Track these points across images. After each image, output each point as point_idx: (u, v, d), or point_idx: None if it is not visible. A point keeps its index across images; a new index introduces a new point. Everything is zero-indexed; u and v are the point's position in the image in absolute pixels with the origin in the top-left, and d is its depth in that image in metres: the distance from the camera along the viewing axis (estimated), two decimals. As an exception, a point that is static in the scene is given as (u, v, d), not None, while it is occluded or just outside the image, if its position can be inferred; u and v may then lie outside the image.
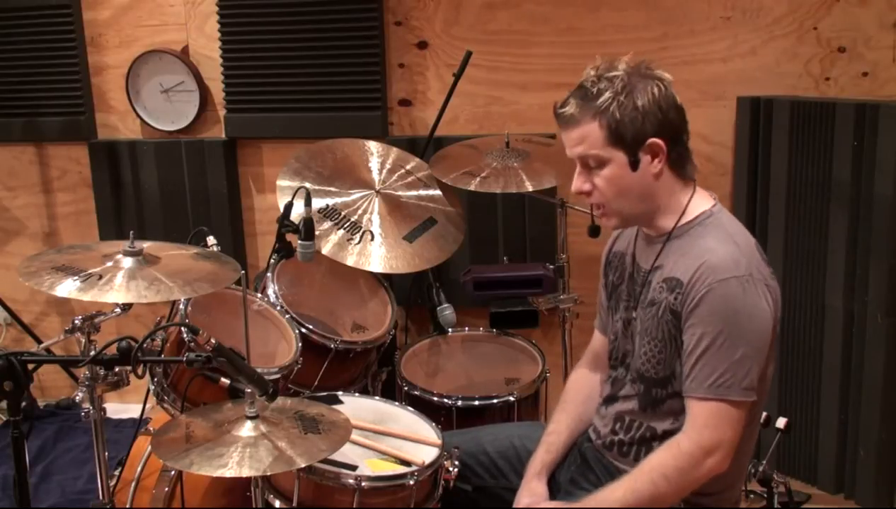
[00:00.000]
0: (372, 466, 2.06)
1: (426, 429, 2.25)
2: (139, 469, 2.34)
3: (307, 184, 2.78)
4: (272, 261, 2.72)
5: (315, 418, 1.97)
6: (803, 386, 2.94)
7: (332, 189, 2.91)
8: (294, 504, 2.01)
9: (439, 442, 2.16)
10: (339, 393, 2.41)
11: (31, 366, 1.78)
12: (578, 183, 1.90)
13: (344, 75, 3.33)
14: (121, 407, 3.54)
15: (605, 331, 2.14)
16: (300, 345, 2.48)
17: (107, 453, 2.05)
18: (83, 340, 1.97)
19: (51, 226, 3.81)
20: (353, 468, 2.03)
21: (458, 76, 3.01)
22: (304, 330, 2.54)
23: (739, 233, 1.87)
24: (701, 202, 1.90)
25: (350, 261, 2.75)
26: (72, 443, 3.45)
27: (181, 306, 2.36)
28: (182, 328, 2.24)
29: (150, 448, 2.30)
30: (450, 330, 3.02)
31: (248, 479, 2.04)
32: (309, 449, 1.83)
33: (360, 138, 3.11)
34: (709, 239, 1.84)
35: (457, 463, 2.11)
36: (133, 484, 2.33)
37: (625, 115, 1.79)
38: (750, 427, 1.87)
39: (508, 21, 3.22)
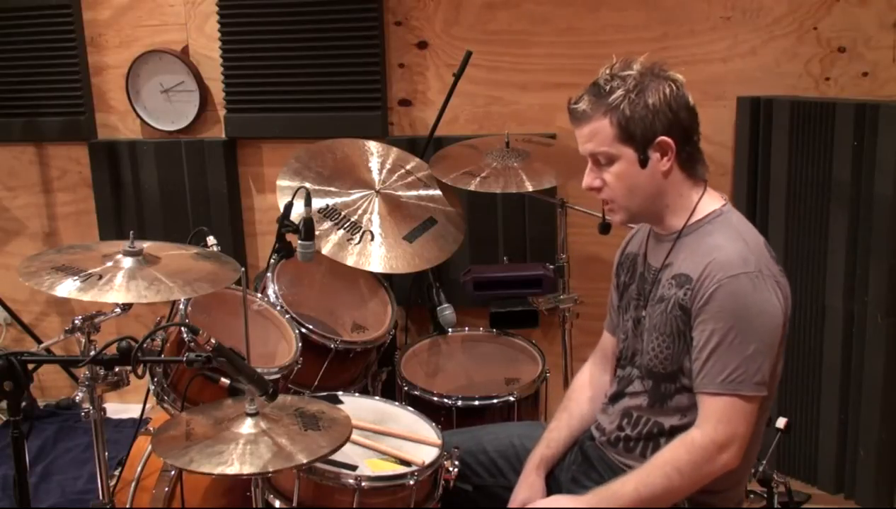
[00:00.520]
0: (372, 466, 2.06)
1: (426, 429, 2.25)
2: (139, 469, 2.34)
3: (307, 184, 2.78)
4: (272, 261, 2.73)
5: (315, 415, 1.97)
6: (803, 386, 2.94)
7: (332, 189, 2.91)
8: (294, 504, 2.01)
9: (439, 442, 2.16)
10: (339, 393, 2.41)
11: (31, 366, 1.78)
12: (589, 179, 1.92)
13: (344, 75, 3.33)
14: (121, 407, 3.54)
15: (614, 331, 2.15)
16: (300, 344, 2.49)
17: (107, 453, 2.05)
18: (83, 340, 1.97)
19: (51, 226, 3.81)
20: (353, 468, 2.03)
21: (458, 76, 3.01)
22: (304, 330, 2.54)
23: (748, 232, 1.89)
24: (711, 202, 1.92)
25: (350, 261, 2.75)
26: (72, 443, 3.45)
27: (181, 306, 2.36)
28: (182, 328, 2.24)
29: (150, 448, 2.30)
30: (450, 330, 3.02)
31: (248, 479, 2.04)
32: (309, 445, 1.83)
33: (360, 138, 3.11)
34: (718, 236, 1.85)
35: (457, 463, 2.12)
36: (133, 484, 2.33)
37: (635, 113, 1.82)
38: (758, 424, 1.87)
39: (508, 21, 3.22)
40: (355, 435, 2.07)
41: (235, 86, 3.44)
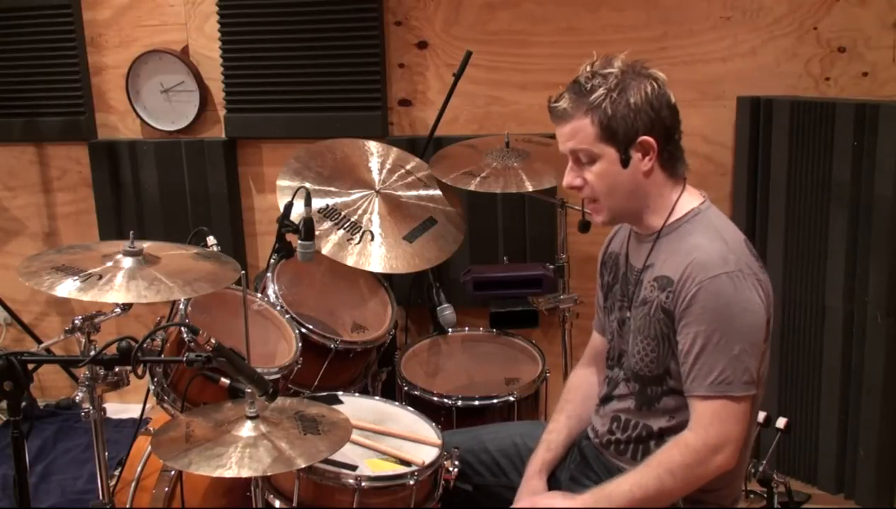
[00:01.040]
0: (372, 466, 2.06)
1: (426, 429, 2.25)
2: (139, 469, 2.34)
3: (307, 184, 2.78)
4: (272, 261, 2.72)
5: (315, 418, 1.97)
6: (803, 386, 2.94)
7: (332, 189, 2.91)
8: (294, 504, 2.01)
9: (439, 442, 2.16)
10: (339, 393, 2.41)
11: (31, 366, 1.78)
12: (570, 177, 1.92)
13: (344, 75, 3.33)
14: (121, 407, 3.54)
15: (602, 330, 2.15)
16: (300, 345, 2.48)
17: (107, 453, 2.05)
18: (83, 340, 1.97)
19: (51, 226, 3.81)
20: (353, 468, 2.03)
21: (458, 76, 3.01)
22: (304, 330, 2.54)
23: (727, 229, 1.88)
24: (689, 200, 1.91)
25: (350, 261, 2.75)
26: (72, 443, 3.45)
27: (181, 306, 2.36)
28: (182, 328, 2.24)
29: (150, 448, 2.30)
30: (450, 330, 3.02)
31: (248, 479, 2.04)
32: (308, 449, 1.83)
33: (360, 138, 3.11)
34: (696, 236, 1.85)
35: (457, 463, 2.12)
36: (133, 484, 2.33)
37: (617, 112, 1.80)
38: (749, 422, 1.87)
39: (508, 21, 3.22)
40: (355, 435, 2.07)
41: (235, 86, 3.44)
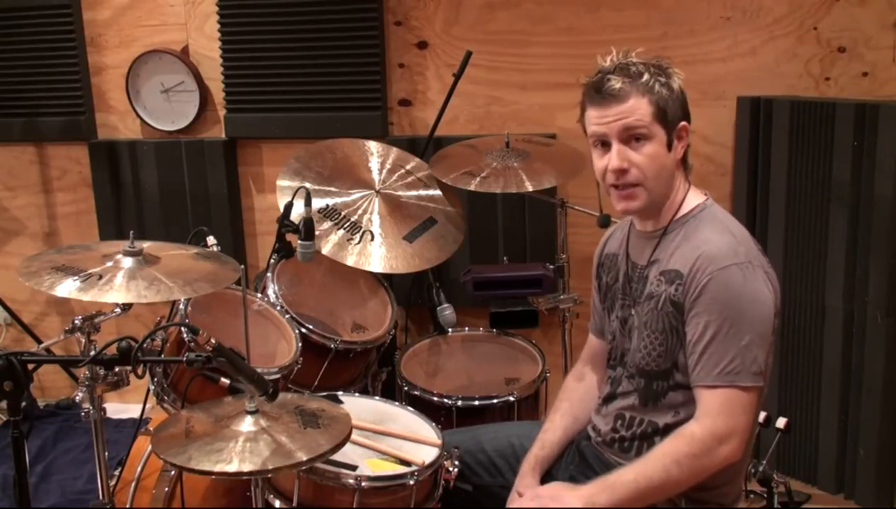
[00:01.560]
0: (372, 466, 2.06)
1: (426, 429, 2.25)
2: (139, 469, 2.33)
3: (307, 184, 2.78)
4: (272, 261, 2.73)
5: (315, 413, 1.97)
6: (803, 386, 2.94)
7: (332, 189, 2.91)
8: (294, 504, 2.01)
9: (439, 442, 2.16)
10: (339, 393, 2.40)
11: (31, 366, 1.78)
12: (617, 161, 1.85)
13: (344, 75, 3.33)
14: (121, 407, 3.54)
15: (599, 333, 2.16)
16: (300, 345, 2.49)
17: (107, 453, 2.05)
18: (83, 340, 1.97)
19: (51, 226, 3.81)
20: (353, 468, 2.03)
21: (458, 76, 3.01)
22: (304, 330, 2.54)
23: (733, 224, 1.89)
24: (694, 197, 1.94)
25: (350, 261, 2.75)
26: (72, 443, 3.45)
27: (181, 306, 2.36)
28: (182, 328, 2.24)
29: (150, 448, 2.30)
30: (450, 330, 3.02)
31: (248, 479, 2.03)
32: (308, 443, 1.83)
33: (360, 138, 3.11)
34: (704, 230, 1.86)
35: (457, 463, 2.12)
36: (133, 484, 2.33)
37: (668, 95, 1.84)
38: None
39: (508, 21, 3.22)
40: (355, 435, 2.07)
41: (235, 86, 3.44)
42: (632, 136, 1.84)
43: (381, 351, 2.84)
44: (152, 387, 2.34)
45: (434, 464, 2.08)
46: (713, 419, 1.78)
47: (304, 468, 1.92)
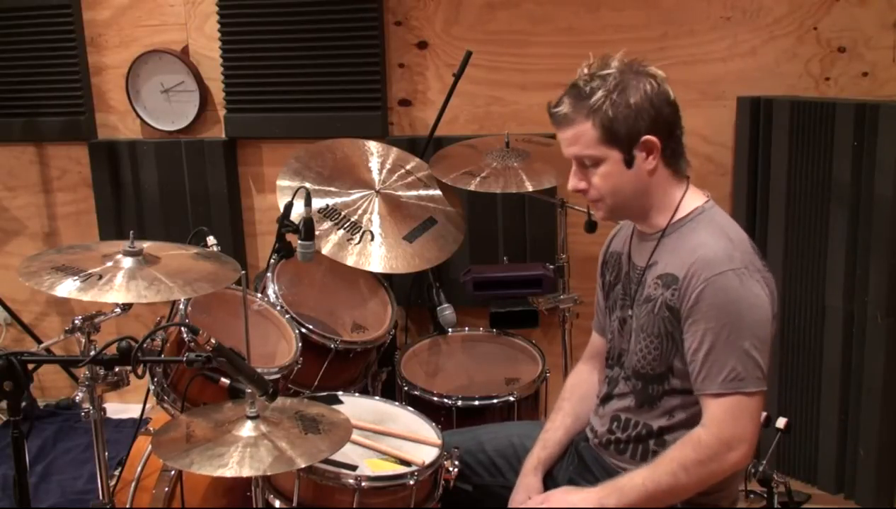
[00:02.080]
0: (372, 466, 2.06)
1: (426, 429, 2.25)
2: (139, 469, 2.34)
3: (307, 184, 2.78)
4: (272, 261, 2.72)
5: (315, 418, 1.97)
6: (803, 386, 2.94)
7: (332, 189, 2.91)
8: (294, 504, 2.01)
9: (439, 442, 2.16)
10: (339, 393, 2.41)
11: (31, 366, 1.78)
12: (574, 181, 1.93)
13: (344, 75, 3.33)
14: (121, 407, 3.54)
15: (602, 331, 2.15)
16: (300, 345, 2.48)
17: (107, 453, 2.05)
18: (83, 340, 1.97)
19: (51, 226, 3.81)
20: (353, 468, 2.03)
21: (458, 76, 3.01)
22: (304, 330, 2.54)
23: (732, 228, 1.88)
24: (694, 199, 1.91)
25: (350, 261, 2.75)
26: (72, 443, 3.45)
27: (181, 306, 2.36)
28: (182, 328, 2.24)
29: (150, 448, 2.30)
30: (450, 330, 3.02)
31: (248, 479, 2.04)
32: (309, 449, 1.83)
33: (360, 138, 3.11)
34: (701, 234, 1.85)
35: (457, 463, 2.12)
36: (133, 484, 2.33)
37: (618, 114, 1.80)
38: None
39: (508, 21, 3.22)
40: (355, 435, 2.07)
41: (235, 86, 3.43)
42: (582, 161, 1.88)
43: (381, 351, 2.84)
44: (152, 387, 2.34)
45: (434, 464, 2.08)
46: (720, 426, 1.78)
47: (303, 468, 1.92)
